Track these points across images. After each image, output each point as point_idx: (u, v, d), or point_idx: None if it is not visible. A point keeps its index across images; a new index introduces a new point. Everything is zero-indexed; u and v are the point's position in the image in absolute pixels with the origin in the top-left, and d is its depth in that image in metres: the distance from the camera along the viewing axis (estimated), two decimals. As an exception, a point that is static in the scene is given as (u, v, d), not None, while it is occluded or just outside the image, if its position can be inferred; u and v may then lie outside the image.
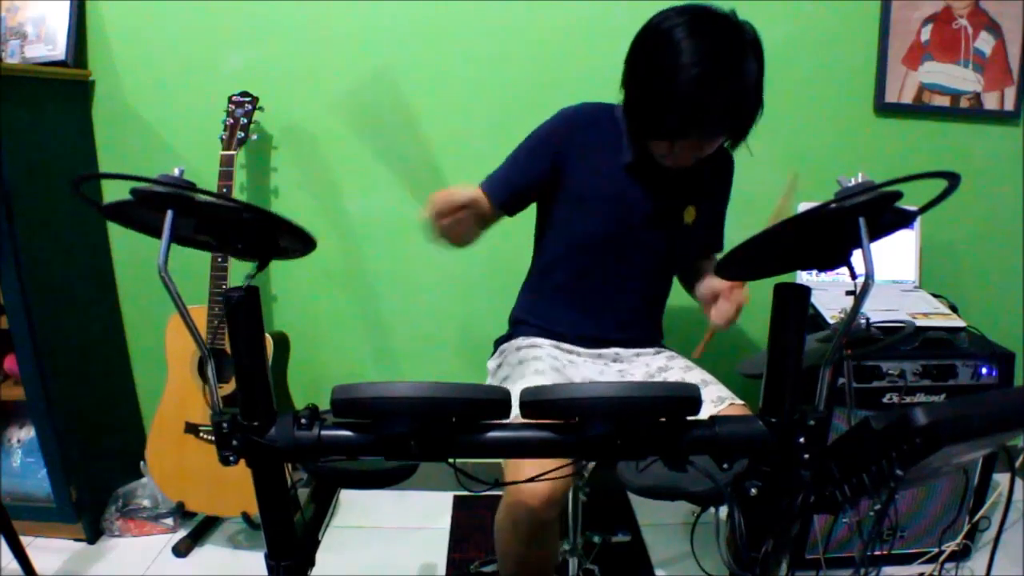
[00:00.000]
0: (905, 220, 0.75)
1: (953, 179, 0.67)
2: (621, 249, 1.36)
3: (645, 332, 1.47)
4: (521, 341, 1.42)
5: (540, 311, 1.45)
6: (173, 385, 1.78)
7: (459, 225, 1.19)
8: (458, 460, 0.78)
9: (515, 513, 1.15)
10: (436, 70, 1.89)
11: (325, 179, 1.95)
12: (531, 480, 0.86)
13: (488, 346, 1.54)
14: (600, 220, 1.33)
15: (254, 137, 1.75)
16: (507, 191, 1.33)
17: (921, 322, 1.61)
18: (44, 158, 1.71)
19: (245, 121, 1.71)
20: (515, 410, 0.77)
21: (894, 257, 1.85)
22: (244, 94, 1.73)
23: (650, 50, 1.17)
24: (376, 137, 1.41)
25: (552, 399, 0.74)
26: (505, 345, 1.45)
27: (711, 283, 1.32)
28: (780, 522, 0.75)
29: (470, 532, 1.93)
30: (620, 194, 1.32)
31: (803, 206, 1.58)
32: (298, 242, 0.81)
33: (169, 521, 1.90)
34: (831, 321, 1.60)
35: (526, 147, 1.36)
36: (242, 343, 0.78)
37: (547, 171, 1.33)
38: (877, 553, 0.71)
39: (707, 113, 1.13)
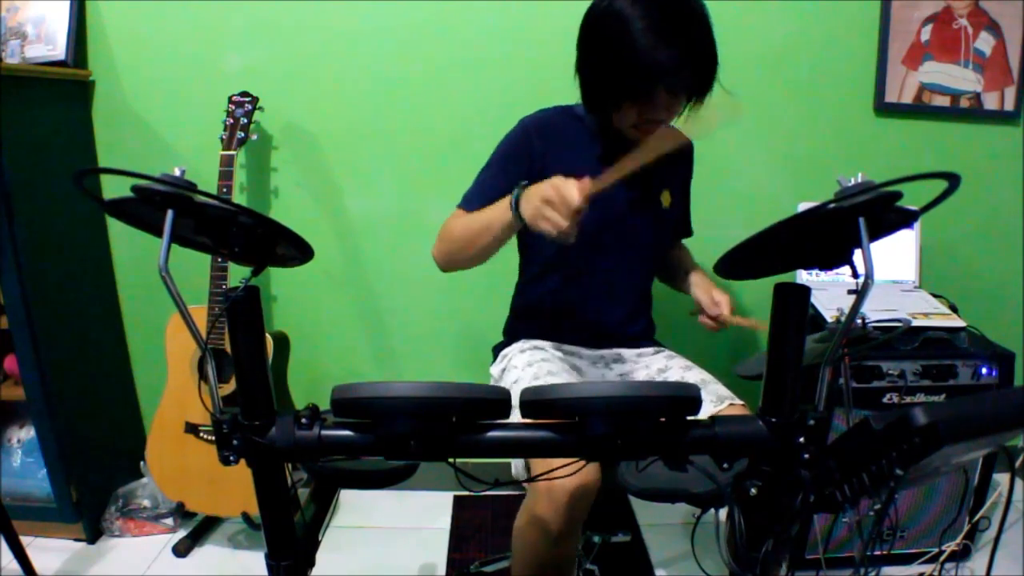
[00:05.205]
0: (906, 220, 0.75)
1: (953, 179, 0.67)
2: (609, 243, 1.36)
3: (640, 323, 1.49)
4: (524, 344, 1.42)
5: (537, 316, 1.45)
6: (173, 385, 1.78)
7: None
8: (458, 460, 0.78)
9: (543, 510, 1.10)
10: (437, 69, 1.89)
11: (325, 179, 1.95)
12: (539, 477, 0.86)
13: (488, 346, 1.54)
14: (586, 220, 1.32)
15: (254, 137, 1.74)
16: None
17: (921, 322, 1.61)
18: (44, 158, 1.71)
19: (245, 121, 1.71)
20: (515, 410, 0.77)
21: (894, 257, 1.85)
22: (244, 94, 1.73)
23: (600, 27, 1.20)
24: None
25: (552, 399, 0.74)
26: (507, 350, 1.44)
27: (707, 292, 1.35)
28: (780, 522, 0.75)
29: (470, 532, 1.93)
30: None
31: (803, 206, 1.58)
32: (295, 250, 0.81)
33: (169, 521, 1.90)
34: (830, 321, 1.60)
35: (501, 167, 1.33)
36: (242, 343, 0.78)
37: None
38: (877, 553, 0.71)
39: (669, 61, 1.13)
